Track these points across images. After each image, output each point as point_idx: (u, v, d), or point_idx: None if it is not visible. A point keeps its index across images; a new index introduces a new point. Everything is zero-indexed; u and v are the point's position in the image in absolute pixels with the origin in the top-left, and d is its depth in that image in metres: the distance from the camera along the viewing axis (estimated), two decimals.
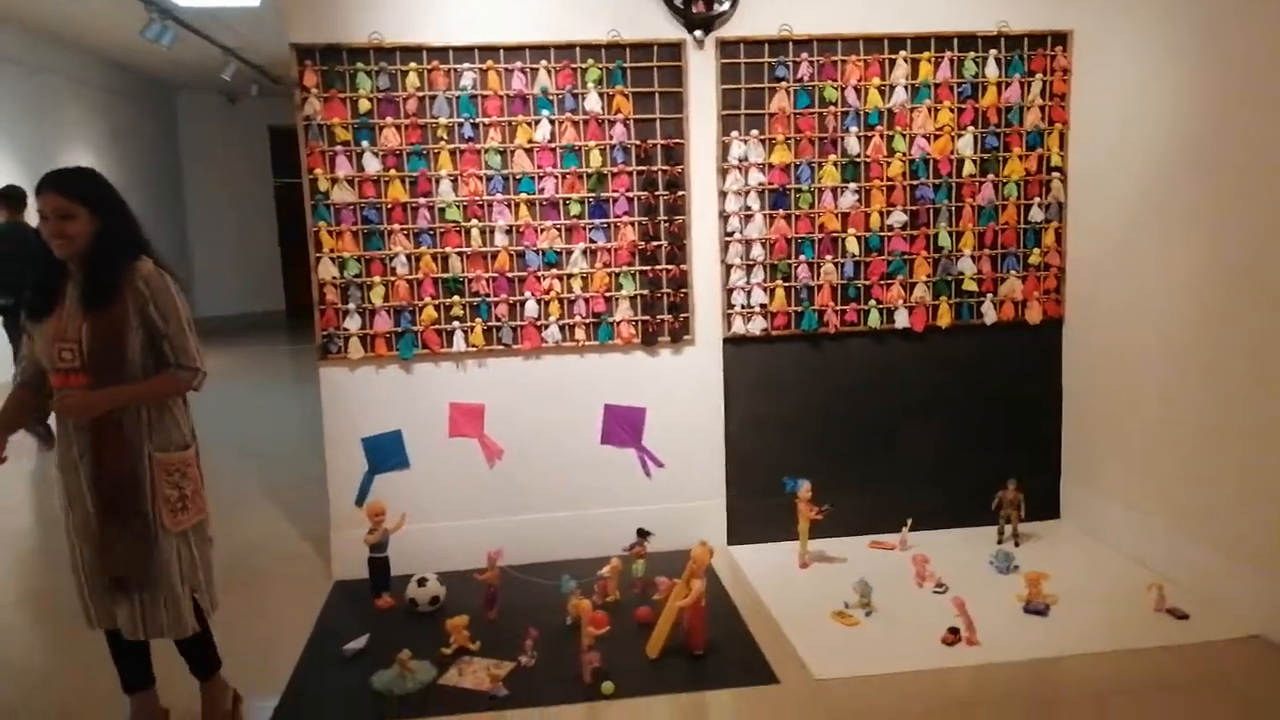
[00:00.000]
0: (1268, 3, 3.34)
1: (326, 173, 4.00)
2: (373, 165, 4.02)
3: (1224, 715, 2.97)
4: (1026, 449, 4.57)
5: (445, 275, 4.11)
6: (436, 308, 4.11)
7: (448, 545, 4.20)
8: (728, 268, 4.30)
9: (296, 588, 4.16)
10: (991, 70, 4.29)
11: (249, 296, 13.14)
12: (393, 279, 4.08)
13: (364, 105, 3.99)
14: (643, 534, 3.96)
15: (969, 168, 4.35)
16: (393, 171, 4.03)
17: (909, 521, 4.36)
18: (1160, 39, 3.84)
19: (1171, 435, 3.89)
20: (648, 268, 4.23)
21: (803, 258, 4.31)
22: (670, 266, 4.24)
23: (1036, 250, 4.44)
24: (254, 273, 13.25)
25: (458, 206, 4.08)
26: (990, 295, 4.44)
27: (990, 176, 4.37)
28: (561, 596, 3.60)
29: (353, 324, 4.07)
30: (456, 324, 4.12)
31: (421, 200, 4.06)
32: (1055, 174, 4.41)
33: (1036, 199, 4.42)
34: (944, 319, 4.42)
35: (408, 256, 4.08)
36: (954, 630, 3.44)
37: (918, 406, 4.49)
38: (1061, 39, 4.33)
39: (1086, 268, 4.39)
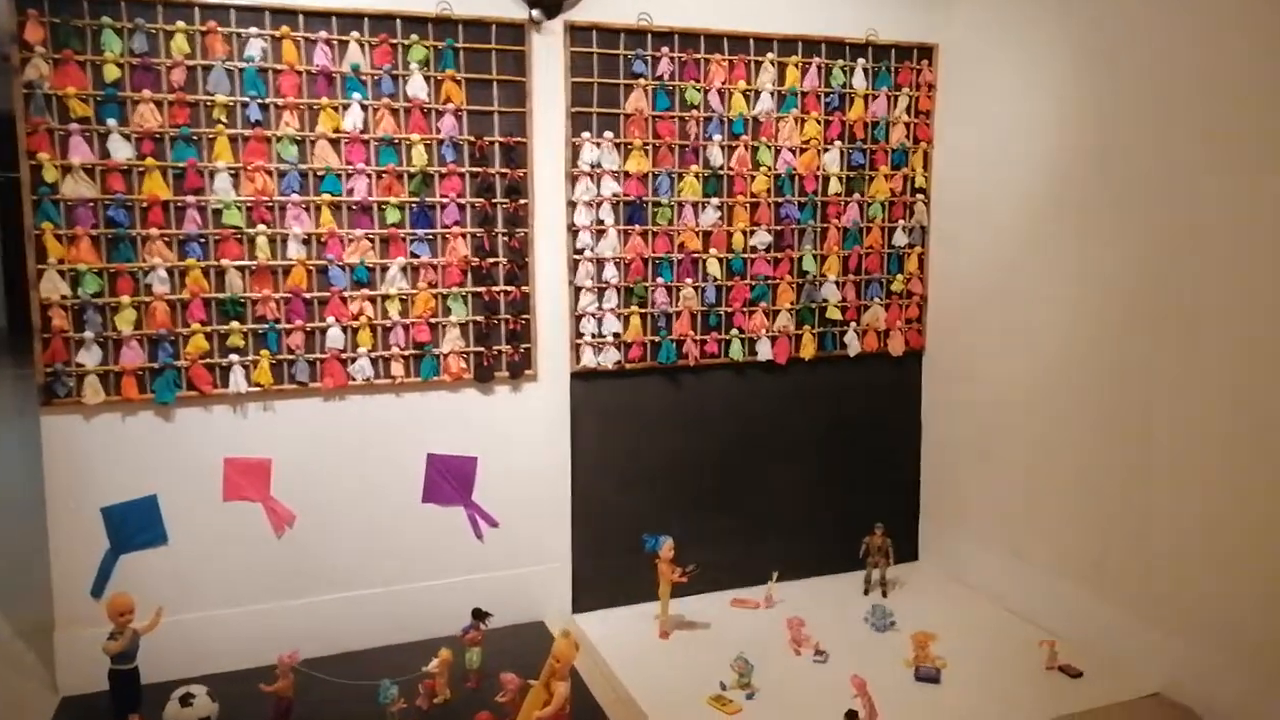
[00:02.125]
0: (1141, 20, 3.16)
1: (55, 158, 3.01)
2: (122, 151, 3.07)
3: None
4: (888, 489, 4.27)
5: (221, 295, 3.20)
6: (208, 336, 3.20)
7: (221, 642, 3.28)
8: (576, 290, 3.67)
9: (6, 709, 3.08)
10: (859, 81, 3.96)
11: None
12: (148, 299, 3.13)
13: (111, 72, 3.03)
14: (479, 615, 3.24)
15: (835, 185, 3.98)
16: (150, 160, 3.10)
17: (775, 575, 3.91)
18: (1030, 58, 3.63)
19: (1047, 476, 3.67)
20: (482, 289, 3.52)
21: (660, 280, 3.76)
22: (509, 288, 3.56)
23: (900, 276, 4.15)
24: None
25: (239, 208, 3.20)
26: (854, 324, 4.10)
27: (856, 196, 4.03)
28: (379, 707, 2.82)
29: (90, 358, 3.08)
30: (235, 357, 3.23)
31: (190, 199, 3.15)
32: (919, 195, 4.14)
33: (901, 221, 4.13)
34: (807, 350, 4.02)
35: (169, 271, 3.14)
36: (851, 715, 2.97)
37: (779, 446, 4.07)
38: (928, 52, 4.07)
39: (950, 297, 4.14)
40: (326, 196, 3.28)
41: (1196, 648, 3.07)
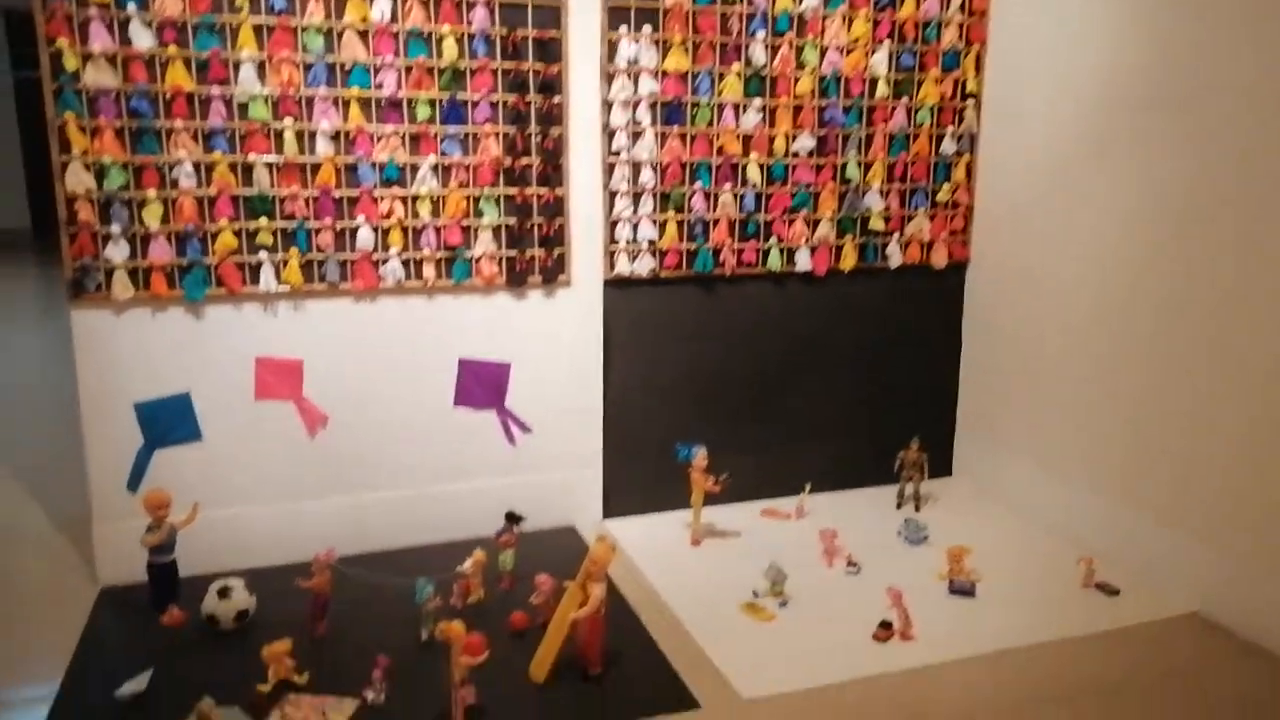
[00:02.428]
0: None
1: (75, 45, 2.91)
2: (143, 39, 2.97)
3: (1182, 707, 2.64)
4: (924, 404, 4.19)
5: (248, 192, 3.13)
6: (236, 234, 3.14)
7: (257, 538, 3.31)
8: (612, 194, 3.57)
9: (47, 599, 3.15)
10: None
11: None
12: (175, 194, 3.06)
13: None
14: (513, 519, 3.23)
15: (882, 89, 3.81)
16: (173, 49, 2.99)
17: (808, 487, 3.88)
18: None
19: (1087, 392, 3.57)
20: (515, 191, 3.42)
21: (698, 185, 3.64)
22: (543, 190, 3.45)
23: (946, 186, 3.99)
24: None
25: (266, 101, 3.10)
26: (897, 235, 3.96)
27: (904, 100, 3.86)
28: (415, 606, 2.84)
29: (118, 253, 3.03)
30: (264, 255, 3.17)
31: (215, 90, 3.05)
32: (970, 101, 3.95)
33: (950, 128, 3.95)
34: (848, 261, 3.91)
35: (196, 165, 3.07)
36: (886, 624, 2.97)
37: (815, 358, 3.99)
38: None
39: (997, 208, 3.99)
40: (355, 90, 3.17)
41: (1236, 567, 3.01)
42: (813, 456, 4.04)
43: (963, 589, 3.23)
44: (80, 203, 2.97)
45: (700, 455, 3.53)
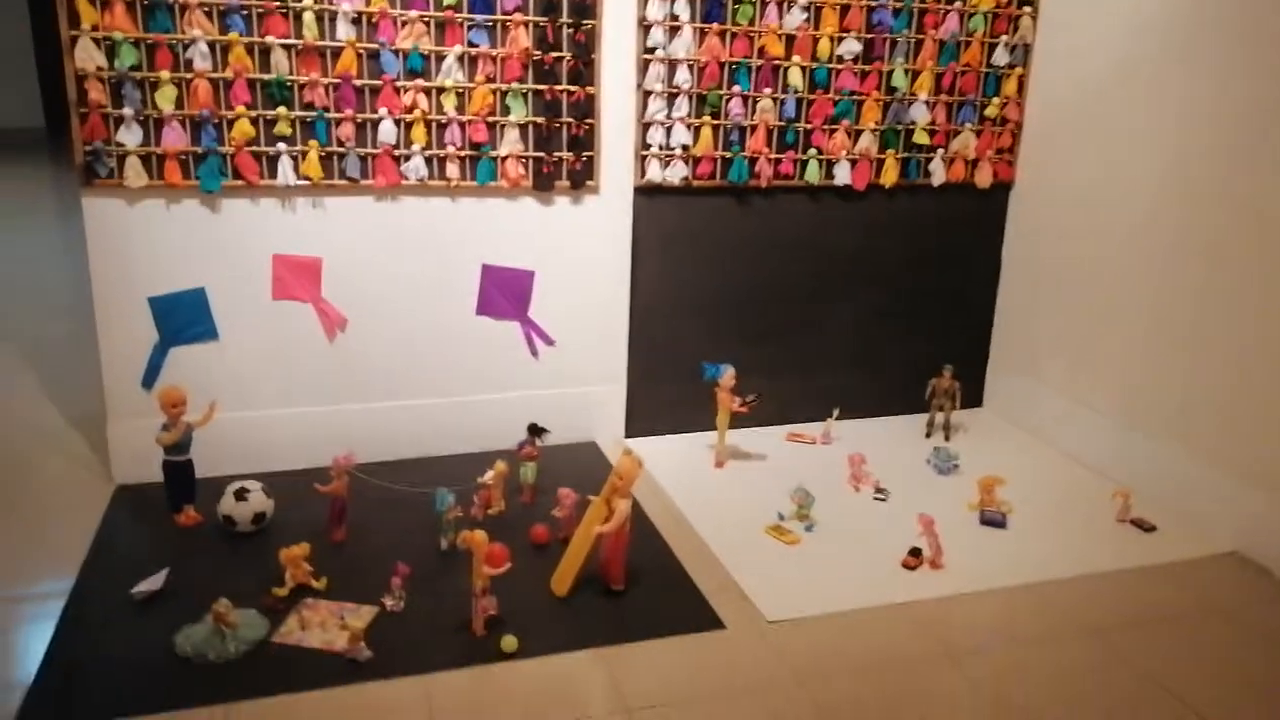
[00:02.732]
0: None
1: None
2: None
3: (1218, 644, 2.57)
4: (958, 331, 4.06)
5: (266, 77, 2.96)
6: (254, 121, 2.98)
7: (274, 441, 3.23)
8: (645, 95, 3.38)
9: (61, 496, 3.10)
10: None
11: None
12: (189, 76, 2.89)
13: None
14: (535, 430, 3.15)
15: None
16: None
17: (836, 412, 3.78)
18: None
19: (1127, 326, 3.43)
20: (544, 88, 3.24)
21: (737, 89, 3.45)
22: (573, 88, 3.27)
23: (995, 100, 3.78)
24: None
25: None
26: (941, 150, 3.77)
27: (957, 4, 3.62)
28: (435, 514, 2.77)
29: (130, 137, 2.88)
30: (282, 146, 3.02)
31: None
32: (1026, 8, 3.72)
33: (1003, 37, 3.72)
34: (889, 176, 3.73)
35: (211, 45, 2.89)
36: (915, 552, 2.89)
37: (849, 278, 3.85)
38: None
39: (1047, 127, 3.79)
40: None
41: (1277, 505, 2.92)
42: (841, 381, 3.93)
43: (994, 520, 3.15)
44: (90, 81, 2.81)
45: (728, 375, 3.42)
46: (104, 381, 3.08)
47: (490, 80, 3.17)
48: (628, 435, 3.72)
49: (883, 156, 3.70)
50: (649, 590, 2.67)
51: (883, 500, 3.29)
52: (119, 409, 3.10)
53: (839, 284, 3.84)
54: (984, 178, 3.87)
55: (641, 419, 3.72)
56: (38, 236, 6.63)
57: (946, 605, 2.69)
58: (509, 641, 2.36)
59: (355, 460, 2.81)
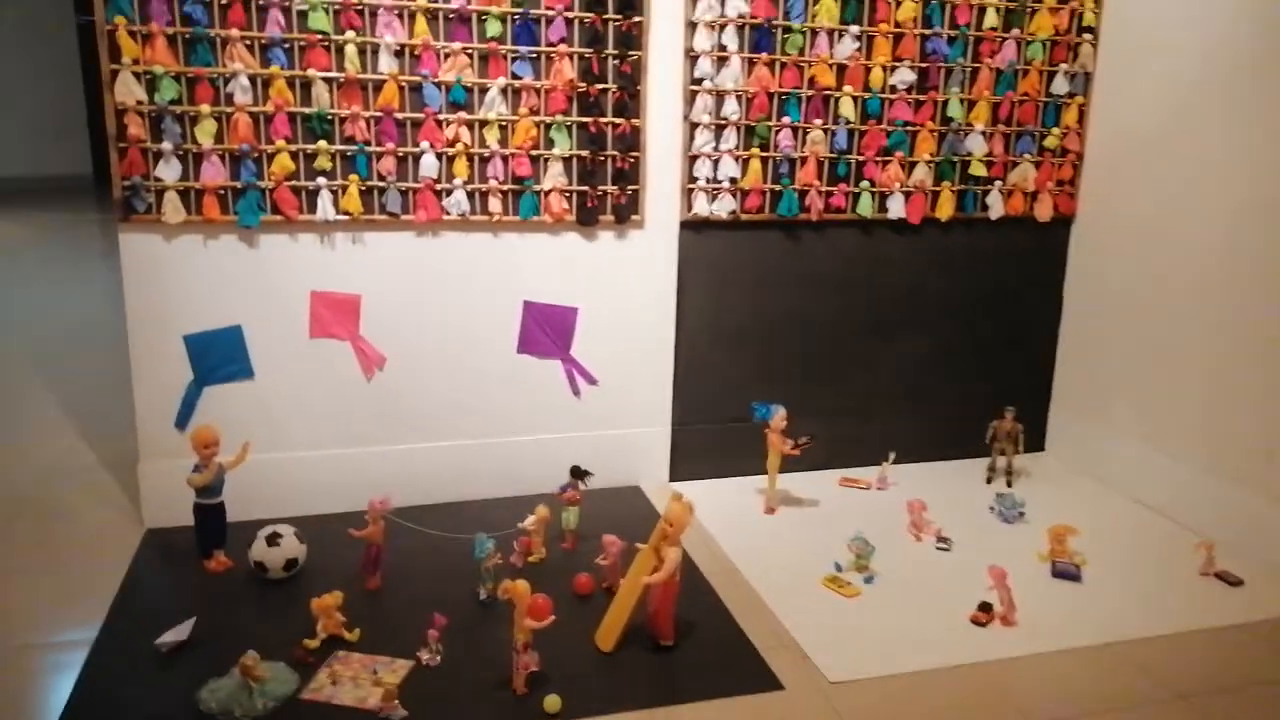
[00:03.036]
0: None
1: None
2: None
3: None
4: (1017, 371, 3.87)
5: (307, 110, 2.90)
6: (294, 156, 2.92)
7: (308, 484, 3.13)
8: (692, 127, 3.28)
9: (89, 539, 3.01)
10: None
11: (44, 157, 10.90)
12: (229, 110, 2.84)
13: None
14: (578, 473, 3.01)
15: (991, 18, 3.46)
16: None
17: (891, 456, 3.60)
18: None
19: (1202, 363, 3.24)
20: (589, 120, 3.15)
21: (787, 120, 3.34)
22: (618, 120, 3.18)
23: (1055, 130, 3.64)
24: (52, 129, 10.95)
25: (326, 10, 2.86)
26: (999, 182, 3.63)
27: (1014, 32, 3.50)
28: (475, 561, 2.63)
29: (169, 173, 2.83)
30: (322, 181, 2.95)
31: None
32: (1086, 36, 3.58)
33: (1063, 65, 3.59)
34: (944, 209, 3.58)
35: (252, 79, 2.84)
36: (985, 607, 2.70)
37: (902, 316, 3.69)
38: None
39: (1109, 157, 3.63)
40: (421, 1, 2.91)
41: None
42: (894, 423, 3.76)
43: (1067, 572, 2.95)
44: (130, 115, 2.76)
45: (779, 415, 3.27)
46: (137, 421, 3.00)
47: (534, 112, 3.09)
48: (672, 479, 3.57)
49: (938, 189, 3.57)
50: (700, 646, 2.50)
51: (945, 550, 3.10)
52: (152, 449, 3.01)
53: (893, 321, 3.69)
54: (1044, 210, 3.71)
55: (687, 462, 3.57)
56: (81, 278, 6.67)
57: (1020, 666, 2.49)
58: (552, 701, 2.20)
59: (391, 505, 2.69)
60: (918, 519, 3.20)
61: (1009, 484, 3.63)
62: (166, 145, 2.80)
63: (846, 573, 2.90)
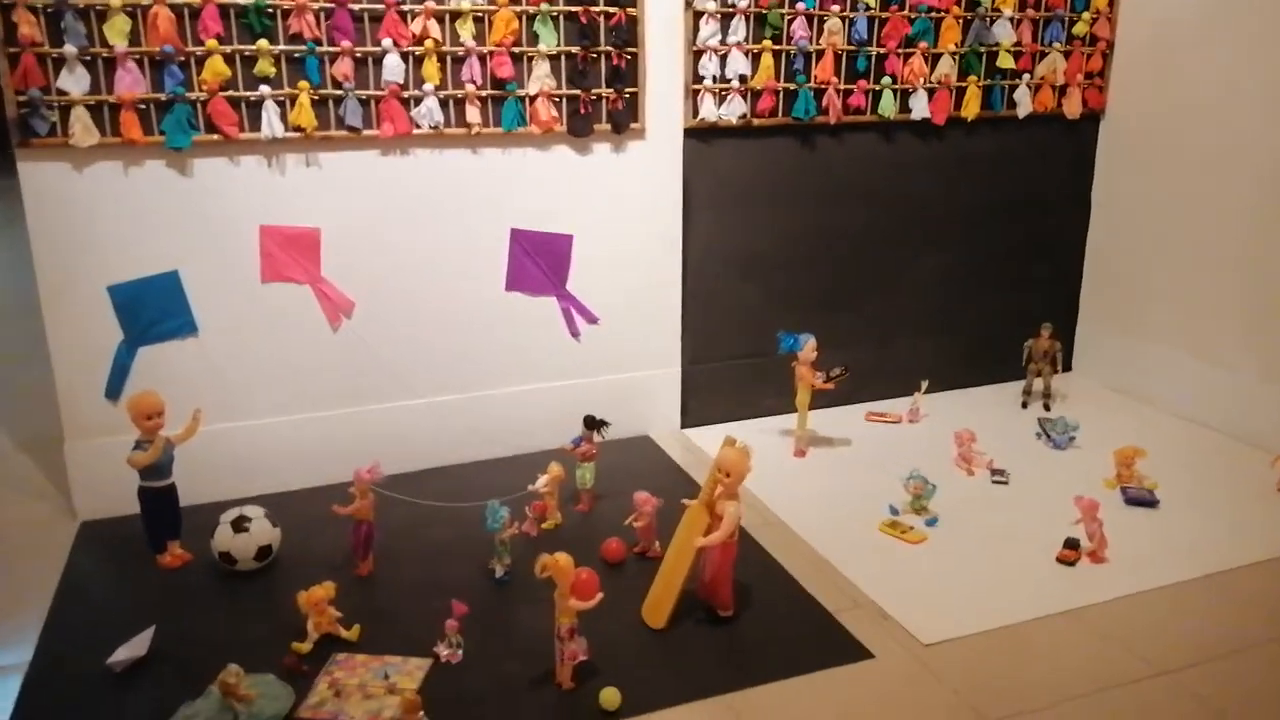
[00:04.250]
0: None
1: None
2: None
3: None
4: (1046, 284, 3.57)
5: (242, 1, 2.38)
6: (229, 59, 2.40)
7: (274, 456, 2.67)
8: (696, 16, 2.83)
9: (12, 540, 2.50)
10: None
11: None
12: (147, 3, 2.30)
13: None
14: (593, 424, 2.60)
15: None
16: None
17: (924, 385, 3.27)
18: None
19: (1249, 265, 2.98)
20: (578, 9, 2.68)
21: (801, 6, 2.91)
22: (612, 9, 2.72)
23: (1085, 15, 3.28)
24: None
25: None
26: (1026, 76, 3.26)
27: None
28: (488, 533, 2.22)
29: (74, 83, 2.30)
30: (265, 90, 2.44)
31: None
32: None
33: None
34: (970, 107, 3.22)
35: None
36: (1071, 543, 2.38)
37: (925, 229, 3.36)
38: None
39: (1141, 44, 3.31)
40: None
41: None
42: (918, 348, 3.43)
43: (1142, 499, 2.65)
44: (20, 11, 2.21)
45: (809, 346, 2.90)
46: (58, 393, 2.49)
47: (514, 2, 2.61)
48: (684, 424, 3.19)
49: (963, 84, 3.19)
50: (765, 614, 2.14)
51: (1003, 483, 2.79)
52: (78, 426, 2.51)
53: (916, 236, 3.33)
54: (1073, 106, 3.37)
55: (699, 405, 3.19)
56: None
57: (1124, 608, 2.19)
58: (610, 696, 1.81)
59: (381, 473, 2.24)
60: (967, 451, 2.88)
61: (1047, 407, 3.34)
62: (70, 49, 2.26)
63: (904, 515, 2.56)
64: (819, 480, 2.83)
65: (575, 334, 2.97)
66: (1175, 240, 3.23)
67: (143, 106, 2.36)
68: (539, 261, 2.87)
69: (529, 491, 2.45)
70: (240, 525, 2.23)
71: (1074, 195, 3.54)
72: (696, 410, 3.20)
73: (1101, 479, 2.75)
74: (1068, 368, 3.69)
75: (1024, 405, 3.37)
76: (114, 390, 2.50)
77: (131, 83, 2.32)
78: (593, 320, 2.97)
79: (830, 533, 2.49)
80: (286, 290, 2.61)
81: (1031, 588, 2.25)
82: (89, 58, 2.29)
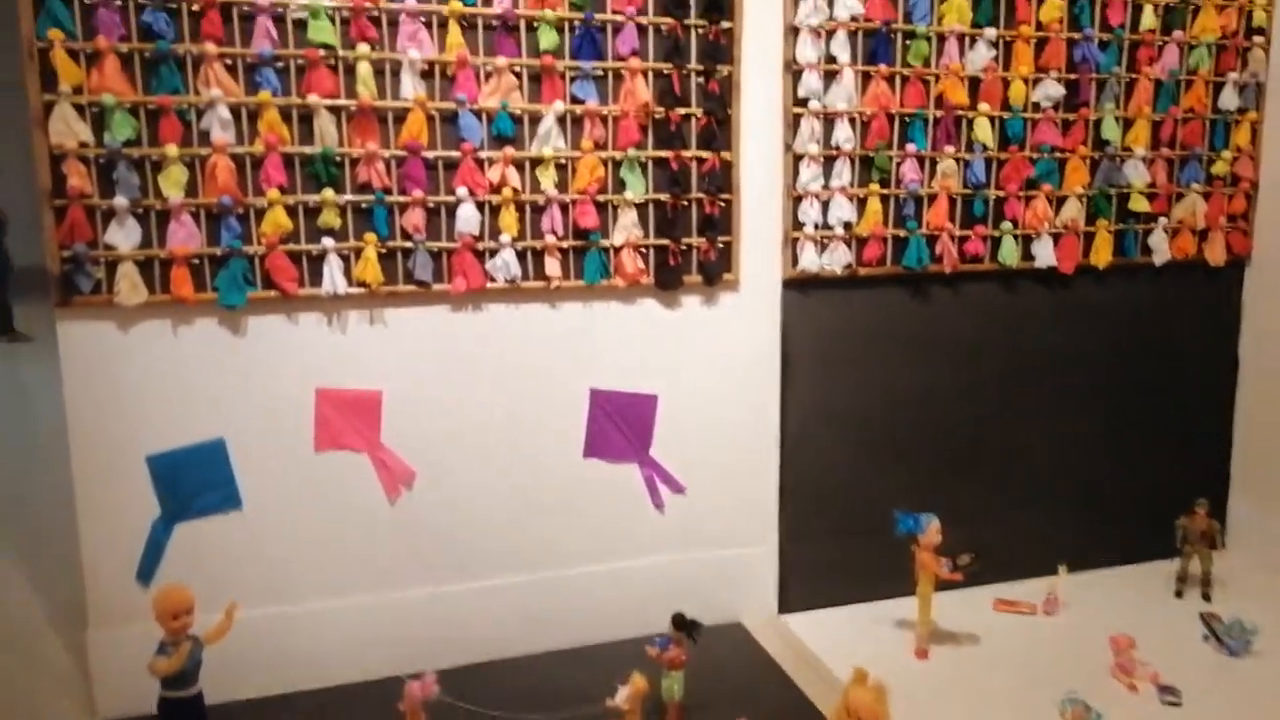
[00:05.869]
0: None
1: None
2: None
3: None
4: (1191, 451, 3.14)
5: (308, 150, 2.20)
6: (291, 211, 2.21)
7: (316, 646, 2.35)
8: (796, 159, 2.59)
9: None
10: None
11: None
12: (204, 152, 2.14)
13: None
14: (684, 625, 2.21)
15: (1149, 18, 2.81)
16: None
17: (1063, 569, 2.83)
18: None
19: None
20: (669, 154, 2.46)
21: (911, 148, 2.66)
22: (705, 154, 2.49)
23: (1225, 154, 2.96)
24: None
25: (331, 18, 2.18)
26: (1163, 219, 2.94)
27: (1176, 34, 2.84)
28: None
29: (124, 237, 2.12)
30: (329, 243, 2.24)
31: (261, 1, 2.14)
32: (1257, 37, 2.94)
33: (1230, 74, 2.93)
34: (1101, 255, 2.89)
35: (234, 110, 2.15)
36: None
37: (1053, 389, 3.00)
38: None
39: None
40: (456, 5, 2.25)
41: None
42: (1049, 524, 3.00)
43: None
44: (70, 162, 2.06)
45: (933, 528, 2.51)
46: (85, 574, 2.23)
47: (600, 147, 2.40)
48: (782, 609, 2.80)
49: (1092, 229, 2.87)
50: None
51: (1175, 704, 2.30)
52: (105, 612, 2.24)
53: (1041, 397, 2.97)
54: (1216, 252, 3.03)
55: (800, 587, 2.80)
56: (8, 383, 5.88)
57: None
58: None
59: (435, 689, 1.89)
60: (1126, 660, 2.41)
61: (1207, 597, 2.85)
62: (120, 201, 2.09)
63: None
64: (945, 689, 2.39)
65: (659, 505, 2.63)
66: None
67: (196, 262, 2.16)
68: (621, 425, 2.57)
69: (609, 707, 2.07)
70: None
71: (1219, 350, 3.15)
72: (796, 593, 2.80)
73: None
74: (1219, 545, 3.20)
75: (1177, 594, 2.89)
76: (146, 572, 2.23)
77: (185, 236, 2.13)
78: (679, 490, 2.64)
79: None
80: (341, 459, 2.35)
81: None
82: (141, 210, 2.12)
